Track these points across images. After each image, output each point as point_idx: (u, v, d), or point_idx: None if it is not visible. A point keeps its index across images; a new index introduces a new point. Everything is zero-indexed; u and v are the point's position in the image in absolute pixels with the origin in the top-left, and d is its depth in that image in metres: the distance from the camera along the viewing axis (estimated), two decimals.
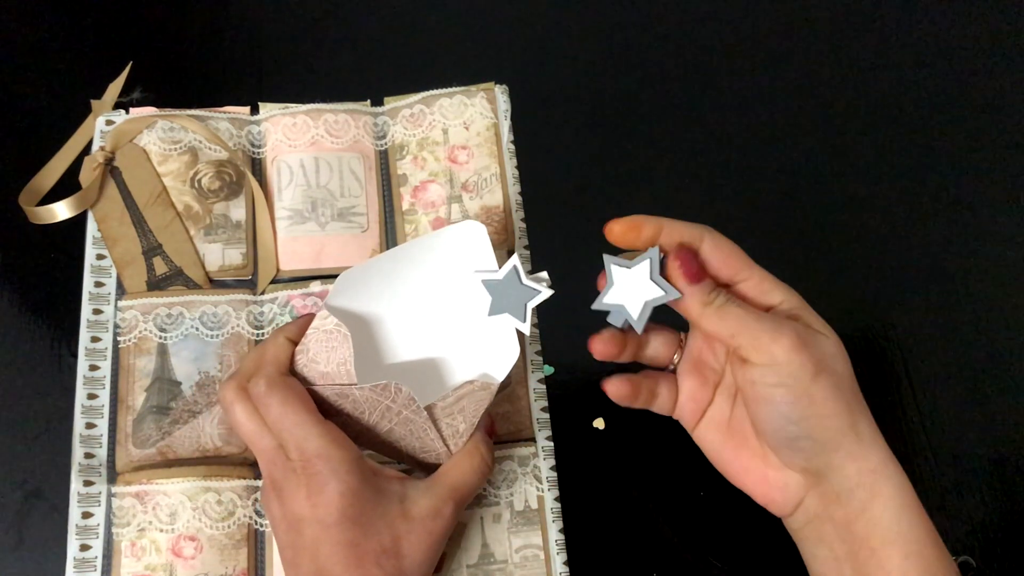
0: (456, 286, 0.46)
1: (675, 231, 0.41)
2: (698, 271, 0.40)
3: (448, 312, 0.47)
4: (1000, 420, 0.53)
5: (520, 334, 0.44)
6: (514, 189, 0.57)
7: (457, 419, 0.44)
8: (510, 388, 0.52)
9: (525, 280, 0.43)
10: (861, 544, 0.39)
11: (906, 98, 0.62)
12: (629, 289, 0.41)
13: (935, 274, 0.57)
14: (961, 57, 0.63)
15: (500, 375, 0.44)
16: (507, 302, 0.43)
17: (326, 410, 0.42)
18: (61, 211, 0.53)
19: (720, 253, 0.41)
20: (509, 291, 0.43)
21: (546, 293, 0.43)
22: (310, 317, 0.44)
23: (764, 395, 0.39)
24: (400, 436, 0.44)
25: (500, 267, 0.44)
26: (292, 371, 0.43)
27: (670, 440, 0.52)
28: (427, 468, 0.45)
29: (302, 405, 0.41)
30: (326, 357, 0.42)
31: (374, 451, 0.46)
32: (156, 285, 0.53)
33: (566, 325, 0.51)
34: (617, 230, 0.42)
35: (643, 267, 0.40)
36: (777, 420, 0.40)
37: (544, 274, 0.43)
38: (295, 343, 0.44)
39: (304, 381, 0.43)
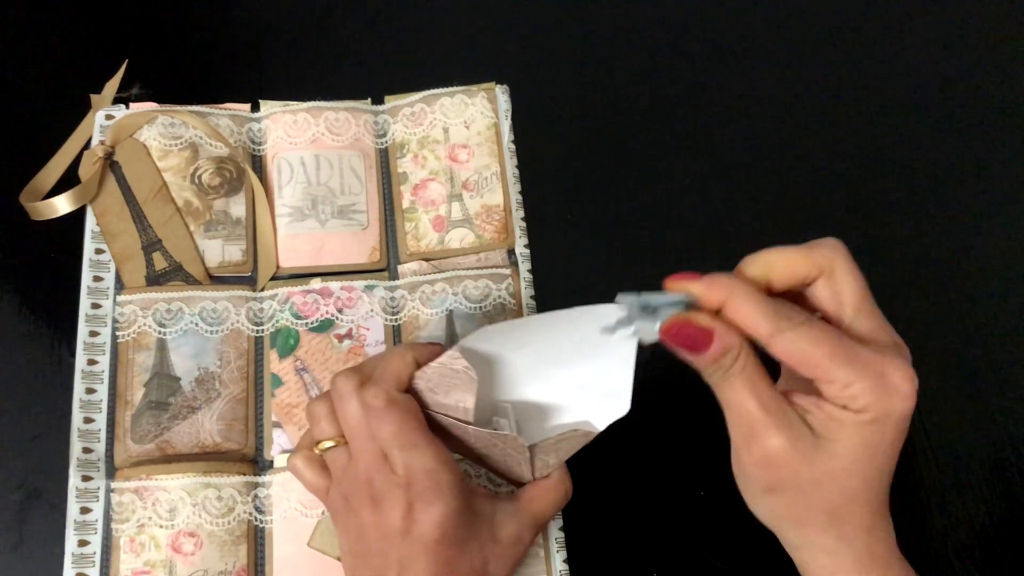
0: (581, 346, 0.45)
1: (778, 271, 0.37)
2: (694, 343, 0.36)
3: (567, 362, 0.46)
4: (1000, 420, 0.53)
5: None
6: (514, 188, 0.57)
7: (551, 456, 0.44)
8: None
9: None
10: None
11: (906, 97, 0.62)
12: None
13: (934, 274, 0.57)
14: (961, 55, 0.63)
15: (602, 425, 0.44)
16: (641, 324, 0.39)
17: (433, 428, 0.42)
18: (61, 205, 0.53)
19: (802, 366, 0.35)
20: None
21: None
22: (440, 348, 0.43)
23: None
24: (494, 460, 0.44)
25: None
26: (409, 389, 0.43)
27: (670, 439, 0.52)
28: (510, 480, 0.46)
29: (418, 424, 0.40)
30: (446, 391, 0.42)
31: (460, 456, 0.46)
32: (155, 280, 0.53)
33: None
34: (695, 292, 0.37)
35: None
36: None
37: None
38: (420, 365, 0.43)
39: (420, 403, 0.42)
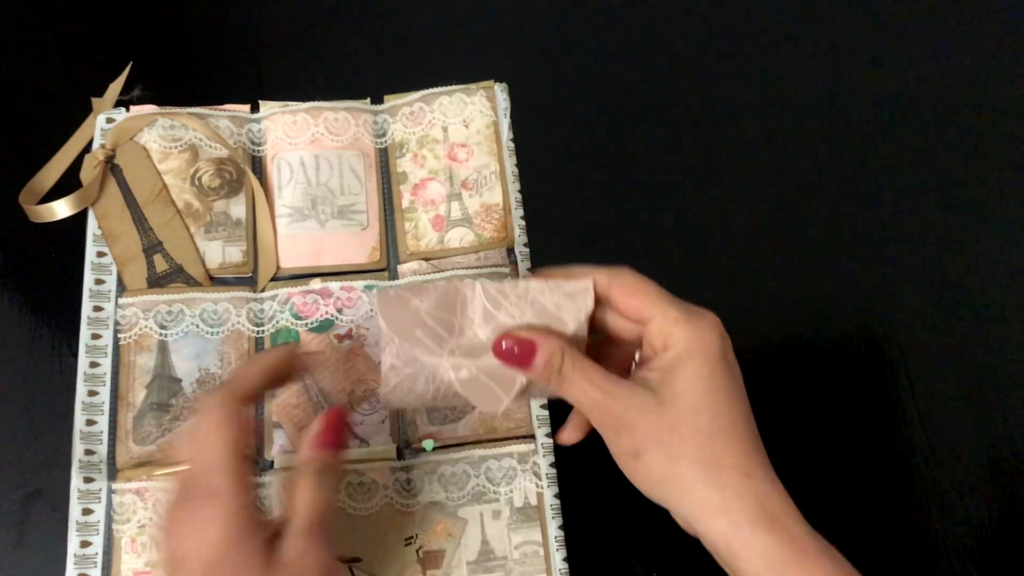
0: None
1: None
2: (521, 354, 0.39)
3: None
4: (999, 420, 0.53)
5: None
6: (514, 187, 0.57)
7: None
8: None
9: None
10: None
11: (906, 99, 0.62)
12: None
13: (934, 274, 0.57)
14: (961, 57, 0.63)
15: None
16: None
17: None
18: (61, 209, 0.53)
19: (626, 297, 0.40)
20: None
21: None
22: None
23: None
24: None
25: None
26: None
27: None
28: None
29: (207, 428, 0.38)
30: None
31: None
32: (156, 282, 0.53)
33: None
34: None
35: None
36: None
37: None
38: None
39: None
